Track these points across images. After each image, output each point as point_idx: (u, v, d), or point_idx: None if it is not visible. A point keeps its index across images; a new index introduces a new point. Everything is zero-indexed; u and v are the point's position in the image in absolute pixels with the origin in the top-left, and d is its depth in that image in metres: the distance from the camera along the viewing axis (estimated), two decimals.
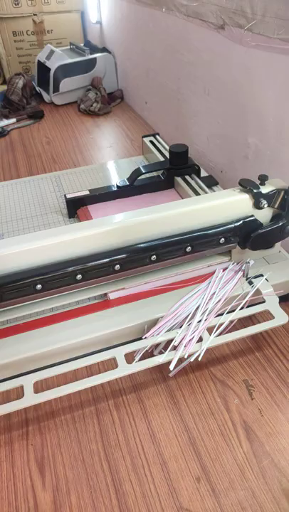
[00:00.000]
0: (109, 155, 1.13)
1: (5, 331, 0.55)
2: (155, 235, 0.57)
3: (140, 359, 0.52)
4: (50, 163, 1.09)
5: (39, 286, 0.53)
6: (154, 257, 0.57)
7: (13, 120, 1.34)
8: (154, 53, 1.14)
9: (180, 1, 0.90)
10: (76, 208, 0.78)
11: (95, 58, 1.45)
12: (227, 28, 0.75)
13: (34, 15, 1.70)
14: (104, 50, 1.52)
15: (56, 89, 1.42)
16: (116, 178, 0.91)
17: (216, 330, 0.54)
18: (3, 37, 1.70)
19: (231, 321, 0.56)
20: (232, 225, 0.60)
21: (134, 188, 0.80)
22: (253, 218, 0.60)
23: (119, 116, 1.37)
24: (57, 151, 1.15)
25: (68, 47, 1.56)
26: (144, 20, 1.16)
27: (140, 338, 0.54)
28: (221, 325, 0.55)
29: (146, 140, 0.97)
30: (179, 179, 0.82)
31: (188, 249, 0.59)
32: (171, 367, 0.51)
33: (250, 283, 0.61)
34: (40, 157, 1.12)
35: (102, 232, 0.55)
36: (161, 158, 0.90)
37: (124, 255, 0.56)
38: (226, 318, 0.56)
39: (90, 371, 0.55)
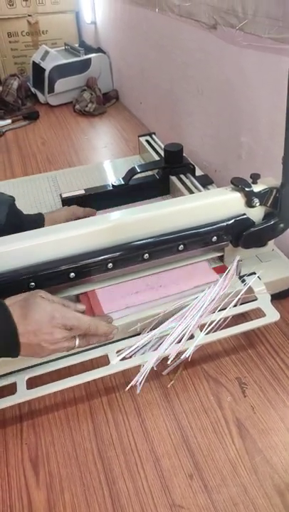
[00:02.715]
0: (105, 155, 1.13)
1: None
2: (148, 233, 0.57)
3: (133, 356, 0.53)
4: (45, 164, 1.09)
5: (32, 284, 0.53)
6: (146, 256, 0.58)
7: (9, 121, 1.34)
8: (148, 53, 1.14)
9: (173, 1, 0.90)
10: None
11: (89, 59, 1.45)
12: (219, 28, 0.76)
13: (29, 16, 1.70)
14: (99, 50, 1.52)
15: (51, 89, 1.43)
16: (112, 178, 0.91)
17: (208, 327, 0.55)
18: None
19: (223, 319, 0.56)
20: (224, 224, 0.60)
21: (130, 187, 0.81)
22: (245, 217, 0.60)
23: (114, 117, 1.37)
24: (52, 152, 1.15)
25: (63, 47, 1.56)
26: (137, 21, 1.16)
27: (133, 336, 0.54)
28: (212, 322, 0.55)
29: (143, 139, 0.97)
30: (174, 178, 0.82)
31: (181, 247, 0.59)
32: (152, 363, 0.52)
33: (243, 281, 0.61)
34: (36, 157, 1.13)
35: (94, 231, 0.55)
36: (157, 158, 0.90)
37: (116, 253, 0.56)
38: (218, 316, 0.56)
39: (84, 369, 0.55)
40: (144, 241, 0.57)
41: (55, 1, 1.70)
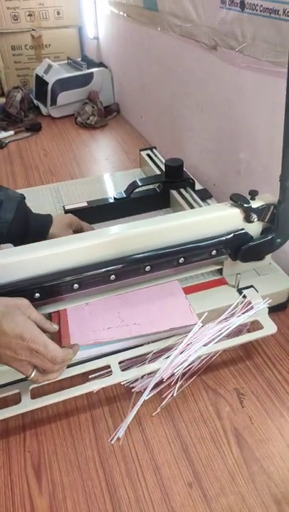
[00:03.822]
0: (106, 167, 1.16)
1: None
2: (150, 246, 0.59)
3: (134, 366, 0.54)
4: (47, 175, 1.11)
5: (37, 295, 0.55)
6: (148, 268, 0.59)
7: (11, 132, 1.36)
8: (150, 69, 1.18)
9: (174, 21, 0.93)
10: None
11: (92, 73, 1.48)
12: (219, 49, 0.79)
13: (33, 30, 1.74)
14: (101, 64, 1.56)
15: (54, 102, 1.46)
16: (113, 190, 0.93)
17: (207, 340, 0.56)
18: (1, 51, 1.74)
19: (221, 331, 0.58)
20: (223, 238, 0.62)
21: (131, 200, 0.83)
22: (243, 232, 0.62)
23: (115, 129, 1.40)
24: (54, 163, 1.18)
25: (66, 61, 1.60)
26: (139, 38, 1.20)
27: (135, 346, 0.56)
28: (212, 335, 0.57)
29: (144, 153, 1.00)
30: (174, 192, 0.85)
31: (181, 260, 0.61)
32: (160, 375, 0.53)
33: (241, 294, 0.63)
34: (38, 169, 1.15)
35: (99, 244, 0.57)
36: (158, 172, 0.92)
37: (119, 266, 0.58)
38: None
39: (87, 378, 0.57)
40: (146, 254, 0.58)
41: (58, 17, 1.75)
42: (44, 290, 0.55)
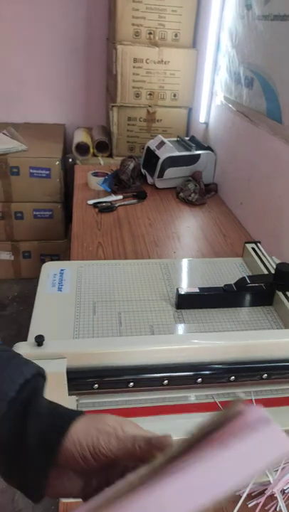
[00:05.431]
0: (206, 248, 1.24)
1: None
2: (239, 358, 0.66)
3: None
4: (152, 246, 1.22)
5: (131, 384, 0.62)
6: (232, 378, 0.66)
7: (120, 197, 1.51)
8: (260, 167, 1.28)
9: None
10: (185, 301, 0.88)
11: (199, 154, 1.63)
12: None
13: (149, 106, 1.95)
14: (208, 148, 1.71)
15: (161, 175, 1.60)
16: (218, 277, 1.01)
17: None
18: (119, 120, 1.96)
19: None
20: None
21: (238, 293, 0.90)
22: None
23: (213, 209, 1.51)
24: (158, 235, 1.28)
25: (175, 139, 1.77)
26: (253, 136, 1.31)
27: None
28: None
29: (248, 246, 1.08)
30: (279, 293, 0.90)
31: (265, 376, 0.66)
32: None
33: None
34: (144, 238, 1.26)
35: (199, 348, 0.66)
36: (262, 267, 0.99)
37: (207, 372, 0.65)
38: None
39: None
40: (235, 366, 0.65)
41: (174, 98, 1.96)
42: (139, 381, 0.63)
